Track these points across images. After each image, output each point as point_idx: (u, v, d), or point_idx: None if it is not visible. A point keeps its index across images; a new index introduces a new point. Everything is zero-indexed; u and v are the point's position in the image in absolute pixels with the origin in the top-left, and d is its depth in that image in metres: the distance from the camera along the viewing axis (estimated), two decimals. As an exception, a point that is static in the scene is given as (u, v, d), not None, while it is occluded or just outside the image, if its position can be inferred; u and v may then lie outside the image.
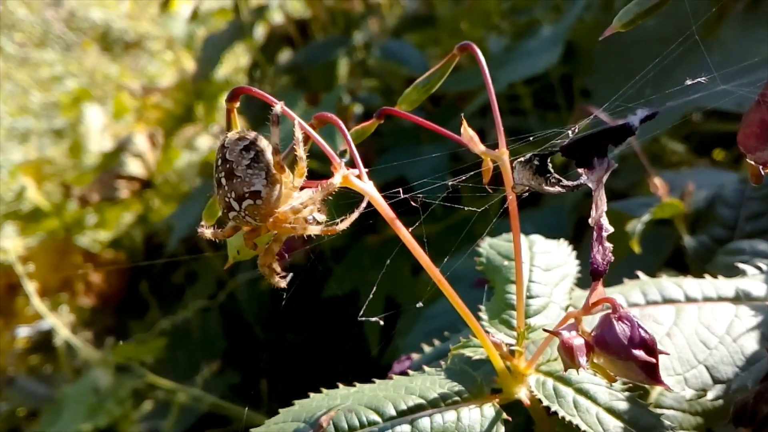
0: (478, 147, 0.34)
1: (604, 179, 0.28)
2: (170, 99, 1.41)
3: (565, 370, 0.30)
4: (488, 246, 0.43)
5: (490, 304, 0.39)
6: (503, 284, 0.39)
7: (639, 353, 0.28)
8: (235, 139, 0.32)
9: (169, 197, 1.50)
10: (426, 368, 0.37)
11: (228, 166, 0.31)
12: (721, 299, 0.40)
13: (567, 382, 0.34)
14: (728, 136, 0.90)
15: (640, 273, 0.47)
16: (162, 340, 1.06)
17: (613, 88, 0.69)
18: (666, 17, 0.95)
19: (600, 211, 0.29)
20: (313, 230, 0.32)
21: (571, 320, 0.31)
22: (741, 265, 0.43)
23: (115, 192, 1.29)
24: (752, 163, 0.28)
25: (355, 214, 0.32)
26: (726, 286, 0.41)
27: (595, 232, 0.29)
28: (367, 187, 0.32)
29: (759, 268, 0.42)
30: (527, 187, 0.29)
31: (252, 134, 0.32)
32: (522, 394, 0.36)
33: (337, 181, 0.32)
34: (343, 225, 0.32)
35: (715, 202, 0.59)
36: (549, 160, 0.29)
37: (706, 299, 0.40)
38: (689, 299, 0.41)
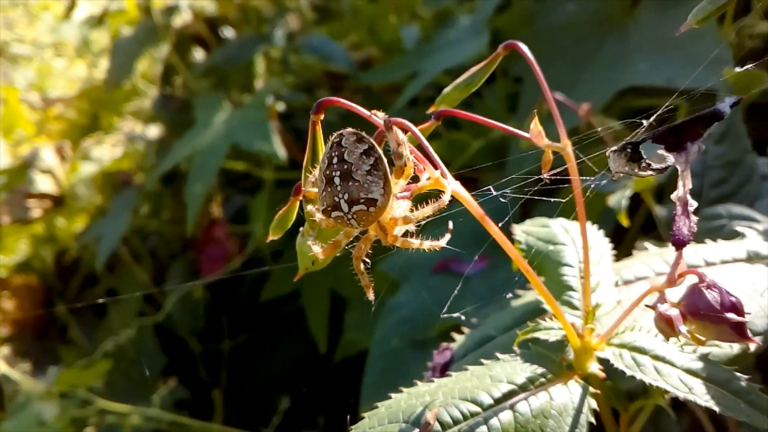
0: (544, 141, 0.36)
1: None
2: (74, 109, 1.33)
3: (667, 340, 0.32)
4: (523, 233, 0.45)
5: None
6: (555, 268, 0.41)
7: (731, 316, 0.31)
8: (354, 140, 0.32)
9: (79, 212, 1.42)
10: (500, 355, 0.38)
11: (345, 167, 0.31)
12: (736, 261, 0.45)
13: (643, 351, 0.36)
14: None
15: (647, 244, 0.51)
16: (107, 363, 1.02)
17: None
18: (586, 1, 1.01)
19: (686, 189, 0.31)
20: (415, 243, 0.32)
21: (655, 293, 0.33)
22: (740, 229, 0.48)
23: (27, 212, 1.21)
24: None
25: (448, 234, 0.32)
26: (737, 248, 0.45)
27: (680, 207, 0.32)
28: (457, 188, 0.33)
29: (756, 230, 0.47)
30: (623, 174, 0.32)
31: (367, 137, 0.32)
32: (594, 368, 0.38)
33: (436, 185, 0.32)
34: (443, 241, 0.32)
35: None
36: (639, 147, 0.31)
37: (723, 262, 0.45)
38: (708, 263, 0.45)
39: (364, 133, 0.32)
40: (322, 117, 0.34)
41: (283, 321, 1.29)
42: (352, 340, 1.09)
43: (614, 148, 0.31)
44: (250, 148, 1.09)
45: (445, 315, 0.44)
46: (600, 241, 0.44)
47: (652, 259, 0.47)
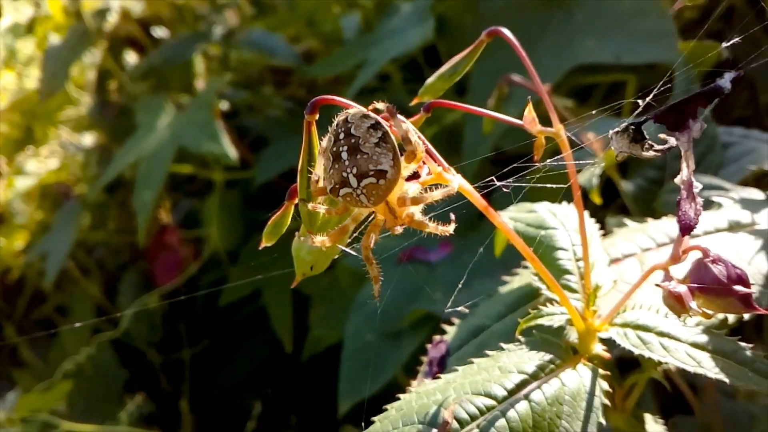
0: (537, 127, 0.36)
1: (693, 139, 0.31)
2: (5, 123, 1.27)
3: (679, 317, 0.32)
4: (511, 219, 0.44)
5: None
6: (549, 252, 0.41)
7: (738, 288, 0.32)
8: (360, 116, 0.31)
9: (19, 229, 1.36)
10: (505, 345, 0.38)
11: (353, 141, 0.30)
12: (718, 231, 0.45)
13: (647, 329, 0.37)
14: (608, 86, 0.99)
15: (626, 220, 0.51)
16: (67, 384, 0.98)
17: (489, 57, 0.74)
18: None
19: (690, 170, 0.32)
20: (427, 224, 0.32)
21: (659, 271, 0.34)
22: (716, 198, 0.49)
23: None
24: None
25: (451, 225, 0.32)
26: (718, 218, 0.46)
27: (684, 191, 0.32)
28: (460, 181, 0.32)
29: (732, 199, 0.48)
30: (626, 154, 0.32)
31: (373, 114, 0.31)
32: (598, 349, 0.38)
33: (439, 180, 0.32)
34: (451, 228, 0.32)
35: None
36: (642, 128, 0.31)
37: (706, 233, 0.46)
38: (692, 235, 0.45)
39: (369, 111, 0.31)
40: (317, 117, 0.32)
41: (244, 323, 1.27)
42: (318, 337, 1.08)
43: (616, 129, 0.31)
44: (198, 150, 1.06)
45: (449, 309, 0.44)
46: (588, 222, 0.44)
47: (635, 235, 0.47)
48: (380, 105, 0.31)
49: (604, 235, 0.49)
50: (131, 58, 1.32)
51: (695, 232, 0.44)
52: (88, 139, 1.41)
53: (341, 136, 0.31)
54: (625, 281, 0.43)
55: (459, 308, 0.46)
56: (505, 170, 0.37)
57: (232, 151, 1.04)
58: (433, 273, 0.88)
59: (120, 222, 1.34)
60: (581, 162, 0.40)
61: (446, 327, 0.49)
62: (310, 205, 0.33)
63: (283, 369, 1.22)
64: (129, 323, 1.24)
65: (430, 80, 0.40)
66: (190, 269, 1.19)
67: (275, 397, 1.20)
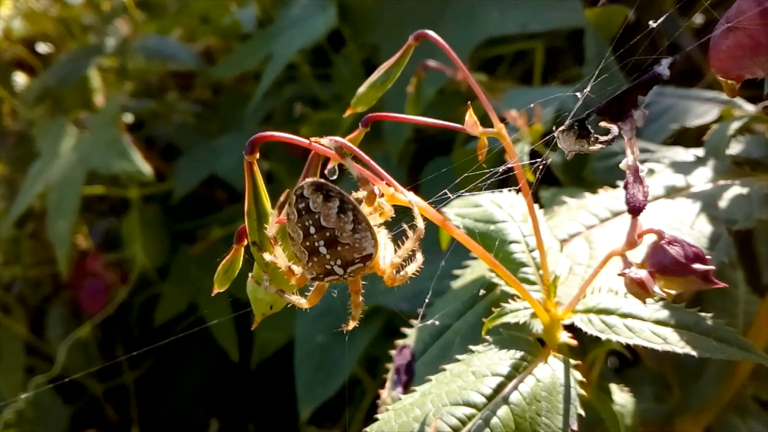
0: (479, 129, 0.35)
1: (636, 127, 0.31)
2: None
3: (644, 302, 0.33)
4: (458, 216, 0.44)
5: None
6: (502, 247, 0.41)
7: (697, 266, 0.32)
8: (321, 199, 0.29)
9: None
10: (474, 348, 0.38)
11: (328, 234, 0.29)
12: (656, 198, 0.46)
13: (609, 312, 0.37)
14: (513, 56, 1.00)
15: (566, 198, 0.52)
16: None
17: (397, 38, 0.73)
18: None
19: (635, 156, 0.32)
20: (408, 273, 0.31)
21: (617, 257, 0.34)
22: (648, 165, 0.50)
23: None
24: (729, 82, 0.33)
25: (414, 247, 0.31)
26: (653, 185, 0.47)
27: (631, 175, 0.32)
28: (415, 199, 0.31)
29: (662, 163, 0.49)
30: (576, 152, 0.31)
31: (330, 186, 0.29)
32: (564, 337, 0.39)
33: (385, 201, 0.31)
34: (415, 266, 0.31)
35: (562, 117, 0.66)
36: (586, 123, 0.31)
37: (645, 202, 0.46)
38: (632, 207, 0.46)
39: (323, 181, 0.29)
40: (257, 156, 0.30)
41: (185, 338, 1.23)
42: (265, 341, 1.06)
43: (561, 128, 0.31)
44: (109, 170, 1.01)
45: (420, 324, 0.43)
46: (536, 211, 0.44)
47: (577, 213, 0.48)
48: (324, 142, 0.30)
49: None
50: (21, 79, 1.24)
51: (635, 202, 0.44)
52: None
53: (311, 230, 0.29)
54: (577, 262, 0.44)
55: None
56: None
57: (145, 167, 1.00)
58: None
59: (35, 254, 1.27)
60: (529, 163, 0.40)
61: (406, 330, 0.49)
62: (266, 256, 0.31)
63: (234, 378, 1.20)
64: (64, 357, 1.18)
65: (361, 90, 0.39)
66: (119, 293, 1.14)
67: (230, 408, 1.18)
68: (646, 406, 0.64)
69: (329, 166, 0.36)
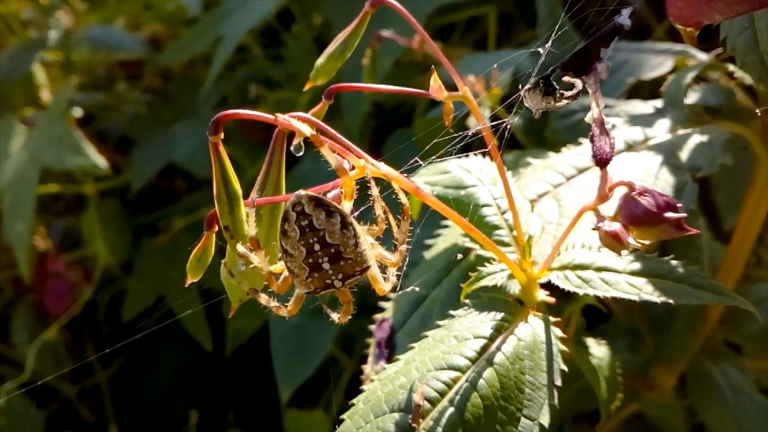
0: (444, 94, 0.35)
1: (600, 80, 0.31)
2: None
3: (619, 254, 0.33)
4: (427, 184, 0.44)
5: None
6: (474, 211, 0.41)
7: (669, 215, 0.33)
8: (324, 215, 0.29)
9: None
10: (454, 312, 0.38)
11: (333, 250, 0.29)
12: (619, 152, 0.47)
13: (585, 267, 0.37)
14: (466, 23, 0.99)
15: (530, 159, 0.52)
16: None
17: (348, 12, 0.72)
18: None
19: (600, 109, 0.32)
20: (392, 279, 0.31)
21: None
22: (609, 120, 0.50)
23: None
24: (688, 30, 0.33)
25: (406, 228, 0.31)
26: (615, 140, 0.47)
27: (597, 128, 0.32)
28: (390, 171, 0.31)
29: (621, 118, 0.50)
30: (543, 109, 0.31)
31: (328, 201, 0.29)
32: (542, 295, 0.39)
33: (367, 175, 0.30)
34: (402, 253, 0.31)
35: (519, 80, 0.66)
36: (552, 80, 0.31)
37: (609, 157, 0.47)
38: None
39: (320, 196, 0.29)
40: (221, 136, 0.30)
41: (156, 332, 1.22)
42: (239, 328, 1.05)
43: (527, 86, 0.31)
44: (63, 167, 0.99)
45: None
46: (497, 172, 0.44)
47: (543, 173, 0.48)
48: (301, 126, 0.29)
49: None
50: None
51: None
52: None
53: (316, 247, 0.29)
54: (548, 221, 0.44)
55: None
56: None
57: (101, 161, 0.97)
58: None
59: (-8, 259, 1.23)
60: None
61: (384, 304, 0.49)
62: (240, 249, 0.30)
63: (210, 368, 1.19)
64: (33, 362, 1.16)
65: (320, 61, 0.38)
66: (85, 292, 1.12)
67: (208, 398, 1.17)
68: (620, 357, 0.65)
69: (294, 142, 0.35)
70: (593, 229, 0.33)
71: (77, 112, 1.17)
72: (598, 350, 0.48)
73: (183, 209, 1.16)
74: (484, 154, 0.46)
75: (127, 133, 1.17)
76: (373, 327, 0.47)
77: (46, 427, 1.11)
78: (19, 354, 1.17)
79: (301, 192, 0.29)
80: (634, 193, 0.33)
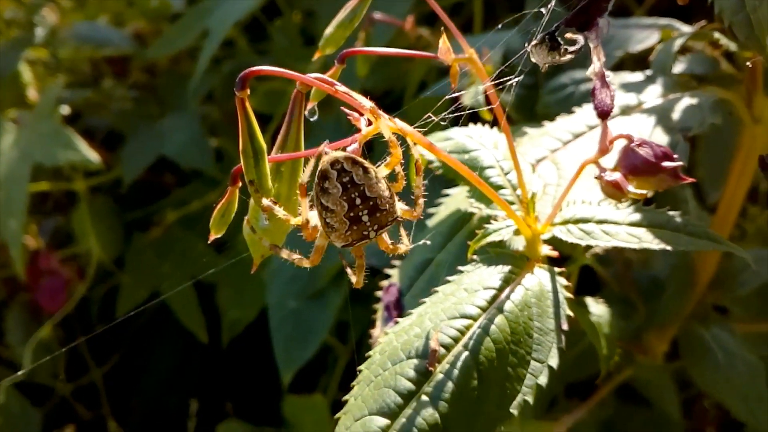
0: (452, 56, 0.37)
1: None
2: None
3: (619, 202, 0.35)
4: (431, 155, 0.45)
5: (472, 193, 0.43)
6: (480, 173, 0.43)
7: (668, 164, 0.35)
8: (362, 171, 0.31)
9: None
10: (462, 268, 0.40)
11: (372, 203, 0.31)
12: (613, 117, 0.49)
13: (586, 220, 0.39)
14: (451, 8, 1.01)
15: (526, 129, 0.54)
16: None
17: (333, 1, 0.74)
18: None
19: (601, 63, 0.34)
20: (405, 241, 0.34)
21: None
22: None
23: None
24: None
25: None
26: (609, 106, 0.49)
27: (598, 81, 0.34)
28: (405, 126, 0.32)
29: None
30: (549, 63, 0.33)
31: (361, 159, 0.31)
32: (545, 250, 0.41)
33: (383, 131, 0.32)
34: (420, 206, 0.33)
35: (508, 57, 0.68)
36: (557, 35, 0.32)
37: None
38: (591, 127, 0.49)
39: (353, 155, 0.31)
40: (248, 93, 0.31)
41: (151, 325, 1.22)
42: (235, 319, 1.06)
43: (534, 42, 0.33)
44: (55, 162, 0.99)
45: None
46: (501, 138, 0.46)
47: (541, 139, 0.50)
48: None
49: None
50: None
51: (592, 123, 0.47)
52: None
53: (357, 201, 0.31)
54: (547, 183, 0.46)
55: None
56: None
57: (93, 155, 0.98)
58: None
59: (-18, 260, 1.23)
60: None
61: (389, 271, 0.50)
62: (265, 202, 0.32)
63: (207, 360, 1.20)
64: (23, 358, 1.16)
65: (329, 30, 0.40)
66: (78, 289, 1.12)
67: (206, 389, 1.17)
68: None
69: (309, 106, 0.37)
70: (595, 178, 0.35)
71: (64, 110, 1.18)
72: (597, 308, 0.50)
73: (173, 203, 1.16)
74: (483, 123, 0.48)
75: (115, 129, 1.17)
76: (380, 293, 0.48)
77: (43, 425, 1.11)
78: (13, 354, 1.17)
79: (337, 153, 0.31)
80: (633, 144, 0.35)
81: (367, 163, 0.31)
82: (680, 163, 0.35)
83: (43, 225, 1.31)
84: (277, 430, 1.02)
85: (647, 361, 0.68)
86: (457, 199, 0.49)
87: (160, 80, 1.18)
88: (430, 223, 0.51)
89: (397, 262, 0.50)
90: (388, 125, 0.32)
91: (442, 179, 0.46)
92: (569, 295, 0.38)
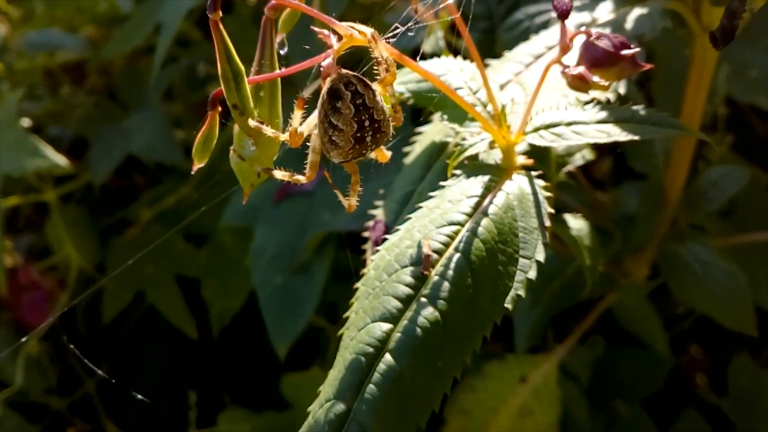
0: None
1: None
2: None
3: (587, 92, 0.37)
4: (399, 85, 0.47)
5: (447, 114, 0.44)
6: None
7: (626, 52, 0.36)
8: (373, 96, 0.32)
9: None
10: (443, 183, 0.41)
11: (376, 125, 0.32)
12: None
13: (556, 124, 0.41)
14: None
15: (489, 61, 0.55)
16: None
17: None
18: None
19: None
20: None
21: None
22: (552, 14, 0.54)
23: None
24: None
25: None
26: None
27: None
28: (375, 33, 0.33)
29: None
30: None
31: (370, 83, 0.32)
32: (521, 159, 0.42)
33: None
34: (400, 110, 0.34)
35: (462, 2, 0.70)
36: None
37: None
38: (550, 48, 0.50)
39: (366, 80, 0.32)
40: (220, 14, 0.32)
41: (139, 329, 1.22)
42: (223, 310, 1.06)
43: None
44: (23, 171, 0.99)
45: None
46: (466, 63, 0.47)
47: (504, 65, 0.51)
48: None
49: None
50: None
51: (551, 44, 0.49)
52: None
53: (366, 123, 0.32)
54: (516, 102, 0.47)
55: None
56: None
57: (61, 159, 0.98)
58: (314, 199, 0.89)
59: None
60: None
61: (373, 212, 0.51)
62: (252, 123, 0.33)
63: (198, 356, 1.20)
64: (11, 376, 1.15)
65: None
66: (61, 299, 1.12)
67: (202, 383, 1.17)
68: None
69: (278, 38, 0.38)
70: (561, 73, 0.36)
71: (25, 122, 1.17)
72: (576, 223, 0.51)
73: (146, 203, 1.16)
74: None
75: (79, 134, 1.17)
76: (367, 233, 0.49)
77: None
78: (3, 373, 1.15)
79: (349, 72, 0.32)
80: (592, 38, 0.37)
81: (374, 86, 0.33)
82: (638, 49, 0.36)
83: (17, 242, 1.30)
84: (279, 413, 1.03)
85: (629, 283, 0.70)
86: (430, 134, 0.51)
87: (118, 81, 1.17)
88: (407, 161, 0.52)
89: (379, 202, 0.51)
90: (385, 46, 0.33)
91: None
92: (549, 194, 0.39)
